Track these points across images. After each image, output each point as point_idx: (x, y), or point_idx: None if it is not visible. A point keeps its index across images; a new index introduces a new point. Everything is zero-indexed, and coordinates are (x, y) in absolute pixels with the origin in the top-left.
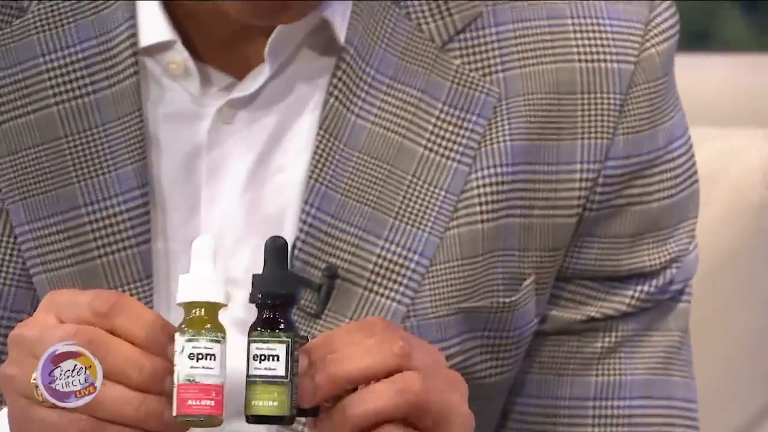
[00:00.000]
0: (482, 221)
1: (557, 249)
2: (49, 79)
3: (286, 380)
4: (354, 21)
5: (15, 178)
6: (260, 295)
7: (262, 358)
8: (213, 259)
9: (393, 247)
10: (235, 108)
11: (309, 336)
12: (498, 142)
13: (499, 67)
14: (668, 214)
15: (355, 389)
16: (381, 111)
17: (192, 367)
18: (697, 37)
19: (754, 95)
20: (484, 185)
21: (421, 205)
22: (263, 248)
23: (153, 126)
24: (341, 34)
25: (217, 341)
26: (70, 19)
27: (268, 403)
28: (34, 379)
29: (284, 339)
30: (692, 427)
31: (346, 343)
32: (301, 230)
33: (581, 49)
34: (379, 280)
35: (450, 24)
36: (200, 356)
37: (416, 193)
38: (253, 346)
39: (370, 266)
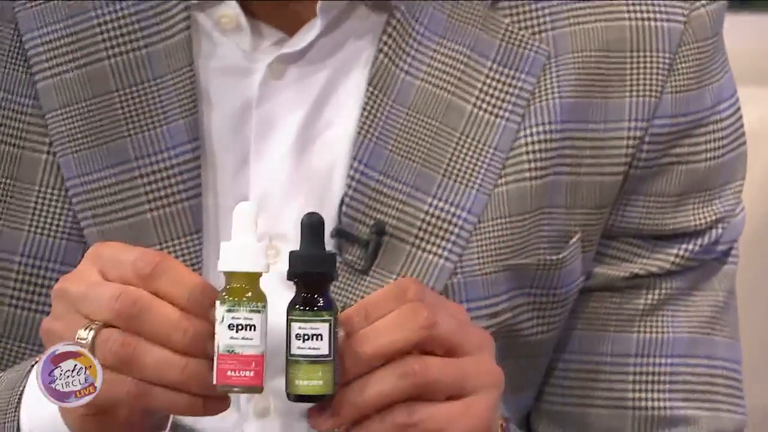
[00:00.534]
0: (530, 179)
1: (603, 206)
2: (102, 33)
3: (329, 359)
4: None
5: (67, 131)
6: (298, 275)
7: (305, 337)
8: (254, 225)
9: (441, 204)
10: (285, 63)
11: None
12: (547, 99)
13: (549, 26)
14: (715, 175)
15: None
16: (430, 68)
17: (231, 338)
18: None
19: None
20: (533, 143)
21: (469, 162)
22: (313, 206)
23: (204, 81)
24: None
25: (258, 311)
26: None
27: (312, 382)
28: (79, 337)
29: (326, 318)
30: (735, 387)
31: (379, 312)
32: (349, 186)
33: (631, 8)
34: (426, 236)
35: None
36: (240, 327)
37: (465, 151)
38: (295, 325)
39: (418, 223)
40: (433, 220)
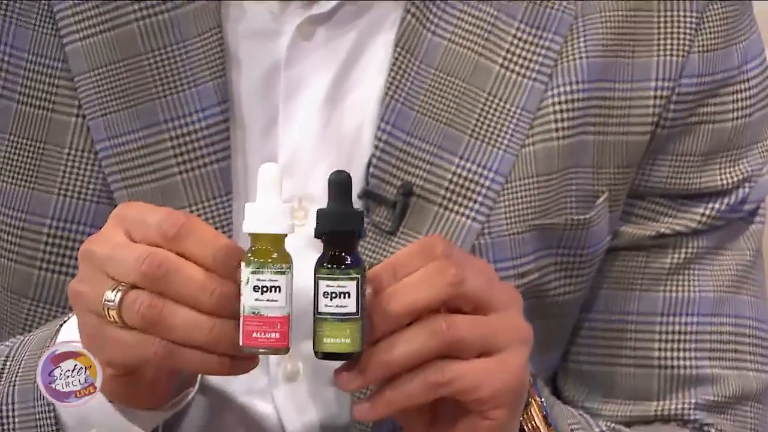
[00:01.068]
0: (558, 138)
1: (630, 166)
2: None
3: (357, 317)
4: None
5: (96, 94)
6: (325, 233)
7: (333, 295)
8: (279, 186)
9: (468, 165)
10: (314, 25)
11: (383, 255)
12: (574, 59)
13: None
14: (742, 134)
15: None
16: (457, 29)
17: (257, 300)
18: None
19: None
20: (560, 102)
21: (496, 122)
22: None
23: (233, 43)
24: None
25: (282, 272)
26: None
27: (339, 340)
28: (106, 299)
29: (354, 276)
30: (760, 346)
31: (407, 270)
32: (376, 147)
33: None
34: (454, 197)
35: None
36: (265, 289)
37: (492, 111)
38: (323, 283)
39: (446, 183)
40: (461, 181)
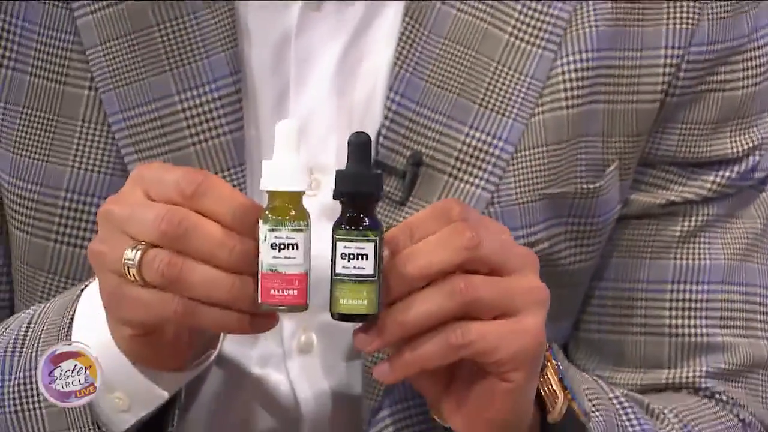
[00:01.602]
0: (567, 107)
1: (640, 134)
2: None
3: (374, 278)
4: None
5: (108, 67)
6: (344, 194)
7: (351, 257)
8: (296, 143)
9: (478, 134)
10: None
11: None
12: (583, 28)
13: None
14: (752, 102)
15: None
16: None
17: (274, 257)
18: None
19: None
20: (570, 71)
21: (506, 91)
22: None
23: (243, 14)
24: None
25: (300, 230)
26: None
27: (356, 301)
28: (126, 258)
29: (372, 238)
30: None
31: (423, 232)
32: (386, 117)
33: None
34: (463, 167)
35: None
36: (282, 246)
37: (501, 80)
38: (340, 244)
39: (455, 153)
40: (470, 150)
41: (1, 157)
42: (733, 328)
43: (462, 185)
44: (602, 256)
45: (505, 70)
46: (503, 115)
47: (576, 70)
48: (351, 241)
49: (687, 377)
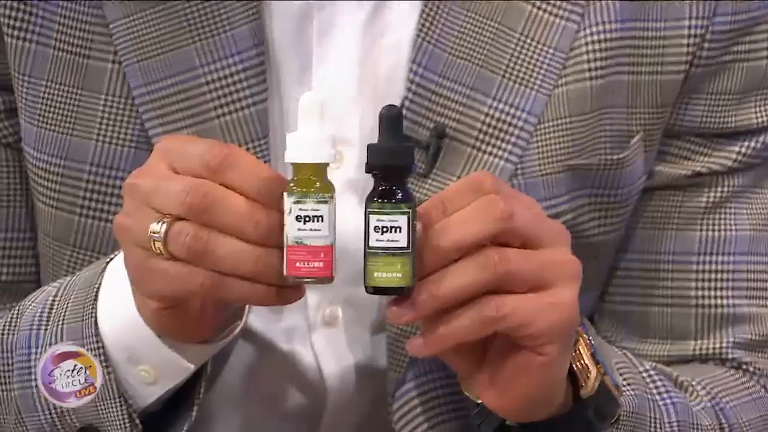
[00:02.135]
0: (591, 78)
1: (664, 105)
2: None
3: (408, 251)
4: None
5: (131, 40)
6: (376, 167)
7: (384, 229)
8: (320, 115)
9: (501, 106)
10: None
11: (417, 196)
12: None
13: None
14: None
15: None
16: None
17: (299, 230)
18: None
19: None
20: (593, 42)
21: (529, 63)
22: (375, 110)
23: None
24: None
25: (325, 201)
26: None
27: (390, 274)
28: (152, 231)
29: (405, 210)
30: None
31: (456, 205)
32: (408, 90)
33: None
34: (487, 138)
35: None
36: (307, 218)
37: (524, 51)
38: (373, 217)
39: (478, 125)
40: (494, 122)
41: (26, 131)
42: (759, 299)
43: (485, 157)
44: (627, 227)
45: (528, 41)
46: (526, 86)
47: (599, 41)
48: (384, 213)
49: (713, 348)
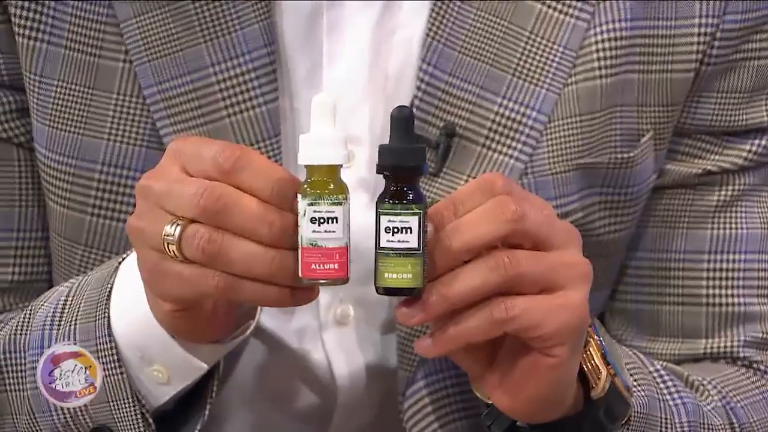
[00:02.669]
0: (601, 77)
1: (675, 104)
2: None
3: (419, 252)
4: None
5: (142, 39)
6: (388, 168)
7: (395, 230)
8: (333, 116)
9: (511, 104)
10: None
11: (427, 195)
12: None
13: None
14: None
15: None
16: None
17: (314, 232)
18: None
19: None
20: (603, 41)
21: (539, 61)
22: (385, 109)
23: None
24: None
25: (339, 203)
26: None
27: (401, 275)
28: (165, 234)
29: (416, 211)
30: None
31: (467, 206)
32: (418, 89)
33: None
34: (496, 137)
35: None
36: (322, 220)
37: (534, 50)
38: (384, 218)
39: (488, 123)
40: (503, 121)
41: (37, 131)
42: None
43: (495, 156)
44: (638, 226)
45: (538, 39)
46: (536, 85)
47: (609, 40)
48: (395, 214)
49: (724, 347)
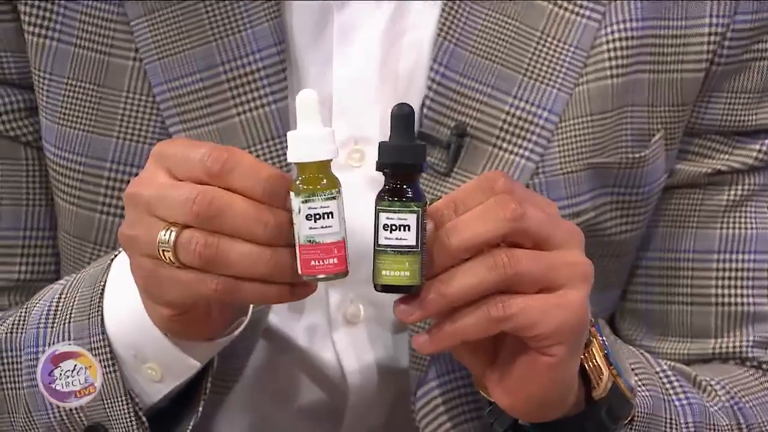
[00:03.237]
0: (612, 77)
1: (685, 104)
2: None
3: (417, 250)
4: None
5: (152, 38)
6: (387, 165)
7: (393, 227)
8: (318, 113)
9: (522, 104)
10: None
11: (437, 196)
12: None
13: None
14: None
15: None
16: None
17: (311, 228)
18: None
19: None
20: (614, 40)
21: (550, 61)
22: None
23: None
24: None
25: (333, 198)
26: None
27: (399, 273)
28: (160, 241)
29: (415, 209)
30: None
31: (467, 205)
32: (429, 89)
33: None
34: (508, 137)
35: None
36: (317, 216)
37: (545, 50)
38: (383, 215)
39: (499, 123)
40: (514, 120)
41: (46, 129)
42: None
43: (506, 155)
44: (648, 226)
45: (549, 39)
46: (547, 84)
47: (620, 40)
48: (393, 212)
49: (734, 347)
